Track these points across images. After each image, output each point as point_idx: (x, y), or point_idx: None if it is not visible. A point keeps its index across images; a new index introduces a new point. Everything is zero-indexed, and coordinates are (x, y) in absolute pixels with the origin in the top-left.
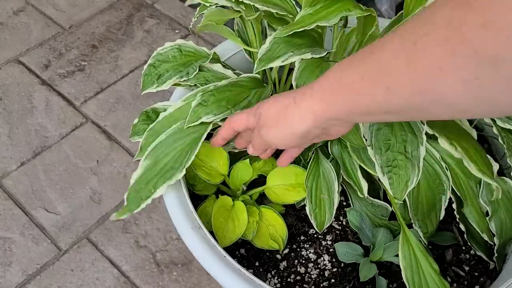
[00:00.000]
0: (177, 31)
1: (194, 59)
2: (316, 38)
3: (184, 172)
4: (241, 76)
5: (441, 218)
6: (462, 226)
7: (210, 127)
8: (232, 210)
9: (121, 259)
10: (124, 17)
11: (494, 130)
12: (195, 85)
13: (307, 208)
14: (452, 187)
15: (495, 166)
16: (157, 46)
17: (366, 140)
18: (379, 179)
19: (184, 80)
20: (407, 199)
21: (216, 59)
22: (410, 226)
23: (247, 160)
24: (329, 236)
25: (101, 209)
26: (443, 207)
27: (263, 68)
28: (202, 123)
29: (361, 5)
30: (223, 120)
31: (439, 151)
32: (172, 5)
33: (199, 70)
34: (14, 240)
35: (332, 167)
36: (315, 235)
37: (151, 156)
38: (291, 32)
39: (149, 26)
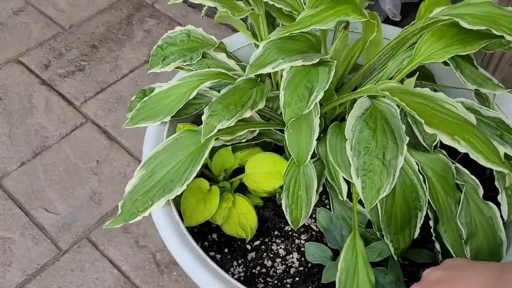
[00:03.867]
0: None
1: (200, 45)
2: (313, 42)
3: (185, 186)
4: (237, 80)
5: (415, 236)
6: (437, 245)
7: (212, 140)
8: (207, 193)
9: (121, 259)
10: (124, 17)
11: None
12: (197, 70)
13: (283, 203)
14: (429, 203)
15: (501, 150)
16: None
17: (347, 139)
18: None
19: (187, 65)
20: (379, 208)
21: (222, 48)
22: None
23: (230, 148)
24: (304, 235)
25: (101, 209)
26: (418, 225)
27: (253, 74)
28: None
29: (363, 10)
30: (239, 121)
31: (420, 162)
32: (172, 5)
33: (203, 57)
34: (14, 240)
35: (313, 166)
36: (290, 232)
37: (148, 166)
38: (287, 34)
39: (149, 26)
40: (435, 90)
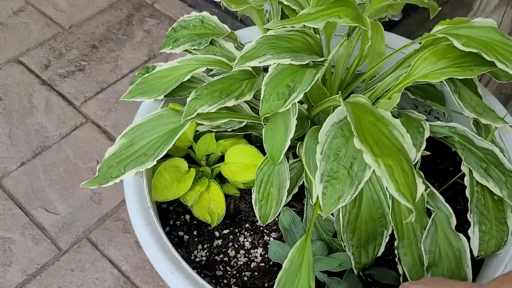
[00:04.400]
0: None
1: (211, 32)
2: (311, 44)
3: (155, 162)
4: (233, 70)
5: (379, 254)
6: (399, 267)
7: (188, 123)
8: (185, 174)
9: (121, 259)
10: (124, 17)
11: (466, 181)
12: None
13: (253, 197)
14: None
15: (420, 189)
16: (157, 46)
17: (319, 143)
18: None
19: (195, 49)
20: (341, 218)
21: (233, 39)
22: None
23: (213, 134)
24: (274, 233)
25: (101, 209)
26: (384, 243)
27: (242, 66)
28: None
29: (362, 16)
30: (224, 109)
31: None
32: (172, 5)
33: (212, 44)
34: (14, 240)
35: (287, 166)
36: (261, 228)
37: (128, 136)
38: (280, 27)
39: (149, 26)
40: (443, 113)
